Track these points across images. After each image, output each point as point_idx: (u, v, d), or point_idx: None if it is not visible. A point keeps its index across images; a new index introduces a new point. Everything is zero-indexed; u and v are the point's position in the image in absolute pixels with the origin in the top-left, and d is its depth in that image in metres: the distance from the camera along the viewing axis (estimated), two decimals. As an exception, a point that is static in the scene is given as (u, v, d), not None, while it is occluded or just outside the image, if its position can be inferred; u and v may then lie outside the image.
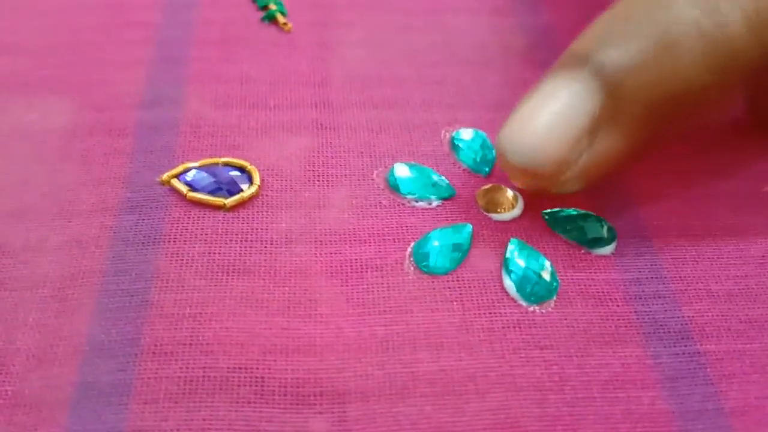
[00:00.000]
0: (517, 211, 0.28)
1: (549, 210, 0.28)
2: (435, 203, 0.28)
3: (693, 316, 0.25)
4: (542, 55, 0.35)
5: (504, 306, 0.25)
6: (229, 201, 0.27)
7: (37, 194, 0.27)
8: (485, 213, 0.28)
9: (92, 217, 0.27)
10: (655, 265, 0.26)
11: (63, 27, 0.35)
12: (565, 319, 0.25)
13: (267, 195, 0.28)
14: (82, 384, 0.23)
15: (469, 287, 0.25)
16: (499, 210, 0.28)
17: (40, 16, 0.35)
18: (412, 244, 0.26)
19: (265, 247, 0.26)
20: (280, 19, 0.35)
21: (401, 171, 0.28)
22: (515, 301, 0.25)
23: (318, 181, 0.29)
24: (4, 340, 0.23)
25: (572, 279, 0.26)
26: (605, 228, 0.27)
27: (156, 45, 0.34)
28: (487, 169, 0.29)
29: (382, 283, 0.25)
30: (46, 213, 0.27)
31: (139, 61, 0.33)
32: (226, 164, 0.29)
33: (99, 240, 0.26)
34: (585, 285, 0.26)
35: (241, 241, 0.26)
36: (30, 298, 0.24)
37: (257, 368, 0.23)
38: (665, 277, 0.26)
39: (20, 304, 0.24)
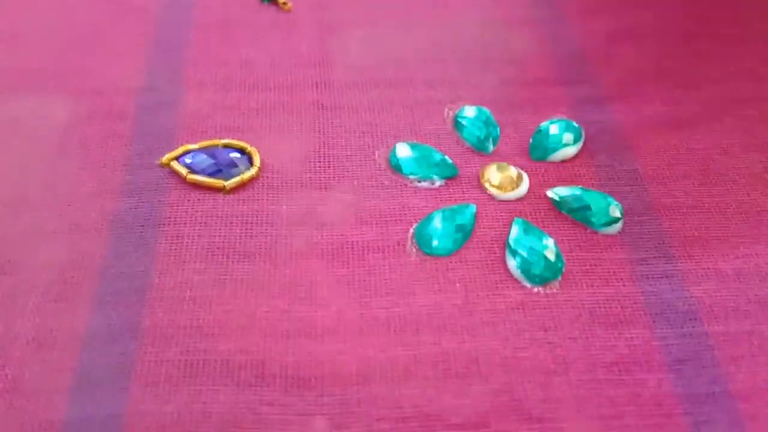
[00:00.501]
0: (521, 191, 0.27)
1: (554, 188, 0.27)
2: (438, 183, 0.27)
3: (701, 297, 0.24)
4: (548, 27, 0.34)
5: (508, 287, 0.25)
6: (229, 183, 0.27)
7: (37, 179, 0.27)
8: (489, 192, 0.27)
9: (92, 201, 0.27)
10: (663, 244, 0.26)
11: (62, 14, 0.34)
12: (570, 300, 0.24)
13: (267, 177, 0.28)
14: (82, 369, 0.22)
15: (473, 269, 0.25)
16: (503, 189, 0.27)
17: (39, 4, 0.35)
18: (415, 225, 0.26)
19: (266, 229, 0.26)
20: (280, -3, 0.35)
21: (403, 151, 0.28)
22: (519, 283, 0.25)
23: (319, 162, 0.28)
24: (4, 326, 0.23)
25: (578, 259, 0.25)
26: (612, 207, 0.26)
27: (155, 29, 0.33)
28: (491, 147, 0.29)
29: (384, 265, 0.25)
30: (46, 198, 0.27)
31: (138, 45, 0.33)
32: (226, 146, 0.28)
33: (98, 224, 0.26)
34: (591, 265, 0.25)
35: (241, 223, 0.26)
36: (30, 283, 0.24)
37: (258, 351, 0.23)
38: (673, 257, 0.25)
39: (20, 290, 0.24)
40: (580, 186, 0.27)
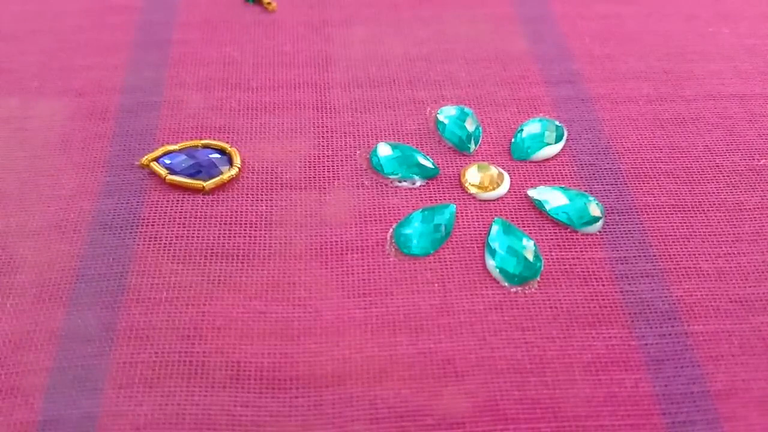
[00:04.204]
0: (502, 190, 0.27)
1: (535, 188, 0.27)
2: (418, 183, 0.27)
3: (681, 296, 0.24)
4: (531, 26, 0.34)
5: (486, 287, 0.24)
6: (208, 184, 0.27)
7: (17, 179, 0.27)
8: (469, 192, 0.27)
9: (72, 202, 0.27)
10: (644, 243, 0.26)
11: (45, 12, 0.34)
12: (549, 300, 0.24)
13: (247, 177, 0.28)
14: (58, 369, 0.22)
15: (451, 269, 0.25)
16: (484, 189, 0.27)
17: (22, 1, 0.35)
18: (394, 225, 0.26)
19: (245, 230, 0.26)
20: (265, -3, 0.35)
21: (384, 151, 0.28)
22: (498, 283, 0.24)
23: (299, 162, 0.28)
24: (-19, 326, 0.23)
25: (557, 258, 0.25)
26: (592, 206, 0.26)
27: (138, 28, 0.33)
28: (472, 147, 0.28)
29: (363, 266, 0.25)
30: (25, 198, 0.27)
31: (121, 44, 0.33)
32: (206, 146, 0.28)
33: (78, 225, 0.26)
34: (570, 264, 0.25)
35: (220, 224, 0.26)
36: (8, 283, 0.24)
37: (233, 352, 0.23)
38: (653, 255, 0.25)
39: (-3, 290, 0.24)
40: (560, 185, 0.27)
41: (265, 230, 0.26)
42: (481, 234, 0.26)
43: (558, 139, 0.28)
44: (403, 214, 0.26)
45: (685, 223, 0.26)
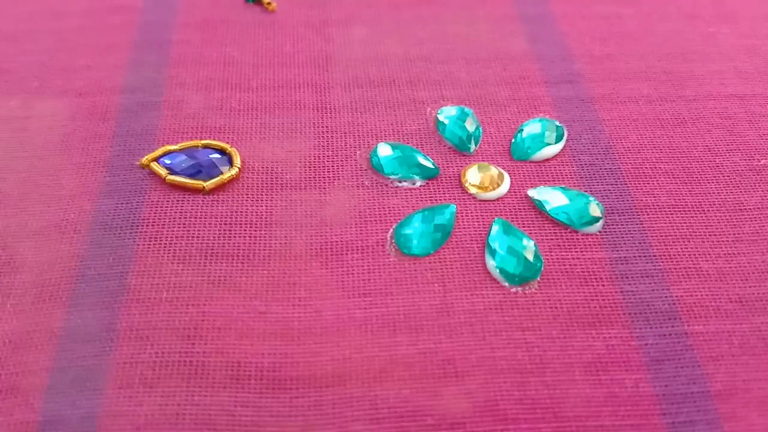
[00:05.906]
0: (502, 190, 0.27)
1: (535, 188, 0.27)
2: (419, 183, 0.27)
3: (681, 296, 0.24)
4: (531, 26, 0.34)
5: (486, 287, 0.24)
6: (209, 184, 0.27)
7: (17, 180, 0.27)
8: (470, 192, 0.27)
9: (72, 202, 0.27)
10: (644, 243, 0.26)
11: (45, 12, 0.34)
12: (549, 300, 0.24)
13: (247, 177, 0.28)
14: (58, 369, 0.22)
15: (451, 269, 0.25)
16: (484, 189, 0.27)
17: (22, 1, 0.35)
18: (394, 225, 0.26)
19: (245, 230, 0.26)
20: (265, -2, 0.35)
21: (384, 151, 0.28)
22: (498, 283, 0.24)
23: (300, 162, 0.28)
24: (-19, 326, 0.23)
25: (557, 258, 0.25)
26: (593, 206, 0.26)
27: (138, 28, 0.33)
28: (473, 147, 0.28)
29: (363, 266, 0.25)
30: (25, 198, 0.27)
31: (121, 44, 0.33)
32: (207, 146, 0.28)
33: (78, 225, 0.26)
34: (570, 265, 0.25)
35: (220, 224, 0.26)
36: (8, 283, 0.24)
37: (233, 352, 0.23)
38: (654, 256, 0.25)
39: (-3, 290, 0.24)
40: (560, 185, 0.27)
41: (265, 230, 0.26)
42: (481, 234, 0.26)
43: (558, 139, 0.28)
44: (403, 214, 0.26)
45: (685, 223, 0.26)
